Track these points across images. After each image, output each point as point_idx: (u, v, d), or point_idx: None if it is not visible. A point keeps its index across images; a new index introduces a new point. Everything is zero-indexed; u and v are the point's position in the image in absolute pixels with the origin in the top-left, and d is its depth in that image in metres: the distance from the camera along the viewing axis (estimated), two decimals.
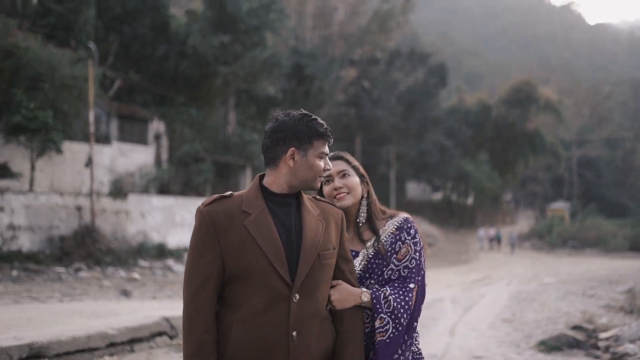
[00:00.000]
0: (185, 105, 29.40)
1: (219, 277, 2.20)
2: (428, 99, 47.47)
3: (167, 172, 25.27)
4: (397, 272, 2.56)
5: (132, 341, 6.69)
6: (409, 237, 2.60)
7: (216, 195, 2.29)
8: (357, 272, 2.56)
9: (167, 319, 7.34)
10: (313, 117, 2.31)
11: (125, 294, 12.74)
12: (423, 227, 42.57)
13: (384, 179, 45.14)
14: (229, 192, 2.31)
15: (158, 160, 26.44)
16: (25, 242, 18.51)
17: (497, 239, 42.25)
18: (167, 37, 29.11)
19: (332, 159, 2.65)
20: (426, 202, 53.07)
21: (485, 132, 52.56)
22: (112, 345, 6.39)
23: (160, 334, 7.12)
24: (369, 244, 2.62)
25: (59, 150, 20.11)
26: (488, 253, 38.74)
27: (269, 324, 2.17)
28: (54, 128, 19.81)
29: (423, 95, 46.86)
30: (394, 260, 2.57)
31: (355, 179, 2.67)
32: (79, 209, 19.77)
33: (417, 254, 2.59)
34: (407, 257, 2.58)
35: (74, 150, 22.09)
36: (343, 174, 2.65)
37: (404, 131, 46.54)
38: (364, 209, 2.69)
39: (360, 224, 2.66)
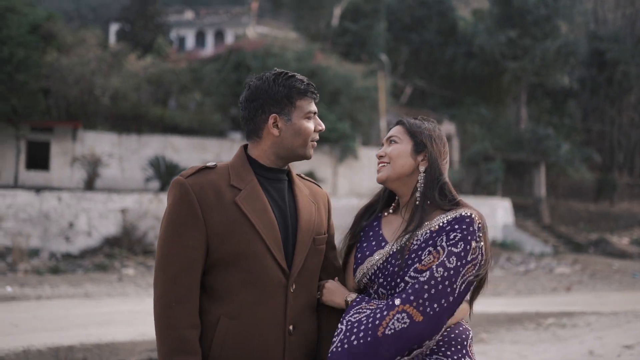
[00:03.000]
0: (475, 105, 29.55)
1: (202, 261, 1.89)
2: None
3: (458, 173, 25.76)
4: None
5: None
6: (447, 243, 1.89)
7: (199, 165, 1.98)
8: (372, 268, 2.02)
9: None
10: (290, 74, 1.99)
11: None
12: None
13: None
14: (212, 163, 1.99)
15: (449, 162, 27.09)
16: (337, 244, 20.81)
17: None
18: (454, 39, 29.66)
19: (393, 124, 2.17)
20: None
21: None
22: None
23: None
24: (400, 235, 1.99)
25: (356, 157, 22.26)
26: None
27: (264, 317, 1.89)
28: (351, 137, 21.90)
29: None
30: (411, 272, 1.91)
31: (400, 147, 2.06)
32: None
33: (445, 267, 1.84)
34: (428, 269, 1.87)
35: (370, 156, 24.00)
36: (390, 141, 2.10)
37: None
38: (421, 188, 2.03)
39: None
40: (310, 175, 22.09)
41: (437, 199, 2.00)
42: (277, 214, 1.96)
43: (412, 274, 1.90)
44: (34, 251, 17.36)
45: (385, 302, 1.88)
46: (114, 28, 36.48)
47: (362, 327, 1.84)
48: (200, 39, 38.27)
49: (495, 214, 23.48)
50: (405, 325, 1.80)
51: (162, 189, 19.68)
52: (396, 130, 2.11)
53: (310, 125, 2.00)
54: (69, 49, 21.36)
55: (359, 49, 26.22)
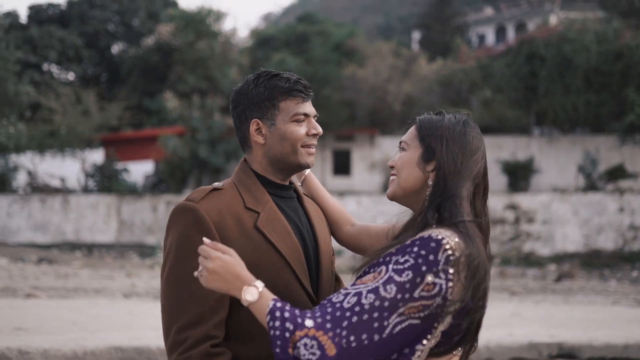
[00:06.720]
0: None
1: (228, 300, 1.64)
2: None
3: None
4: None
5: None
6: (393, 265, 1.43)
7: (207, 187, 1.74)
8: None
9: None
10: (273, 73, 1.75)
11: None
12: None
13: None
14: (220, 183, 1.76)
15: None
16: None
17: None
18: None
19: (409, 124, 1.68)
20: None
21: None
22: None
23: None
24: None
25: None
26: None
27: None
28: None
29: None
30: (349, 286, 1.48)
31: (406, 155, 1.60)
32: None
33: (377, 295, 1.39)
34: (356, 292, 1.42)
35: None
36: (400, 147, 1.65)
37: None
38: (424, 207, 1.55)
39: None
40: (620, 170, 19.64)
41: (429, 219, 1.50)
42: (298, 237, 1.73)
43: (348, 287, 1.46)
44: None
45: (297, 314, 1.42)
46: (416, 36, 37.85)
47: (278, 331, 1.41)
48: (500, 34, 37.19)
49: None
50: (314, 358, 1.37)
51: None
52: (407, 133, 1.64)
53: (298, 129, 1.73)
54: (366, 61, 22.80)
55: None
